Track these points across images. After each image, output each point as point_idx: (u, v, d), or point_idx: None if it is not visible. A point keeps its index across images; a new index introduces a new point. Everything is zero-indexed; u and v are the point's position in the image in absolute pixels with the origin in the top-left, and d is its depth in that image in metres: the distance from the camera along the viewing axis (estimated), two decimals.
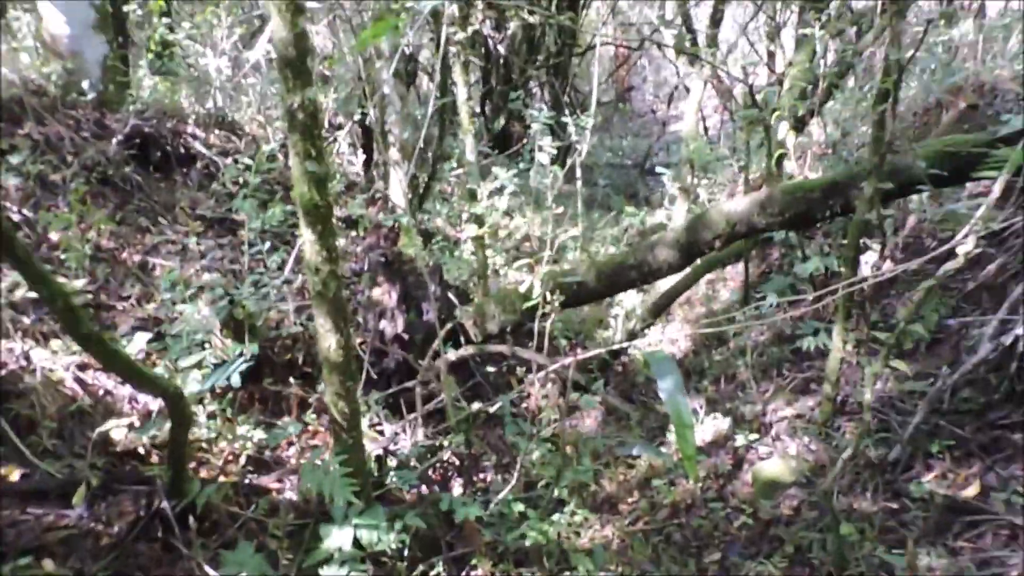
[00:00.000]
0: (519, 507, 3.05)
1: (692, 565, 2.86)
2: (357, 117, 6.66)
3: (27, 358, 2.75)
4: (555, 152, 6.29)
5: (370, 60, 6.12)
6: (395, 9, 4.05)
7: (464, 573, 2.76)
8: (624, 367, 4.93)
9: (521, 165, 6.69)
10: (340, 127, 7.57)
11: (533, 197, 7.21)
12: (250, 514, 2.66)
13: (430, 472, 3.40)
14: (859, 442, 2.66)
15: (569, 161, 7.05)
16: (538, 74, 11.50)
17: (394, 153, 6.32)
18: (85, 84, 4.91)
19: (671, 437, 3.81)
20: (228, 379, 2.62)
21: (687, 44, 5.79)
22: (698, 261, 4.37)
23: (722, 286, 5.87)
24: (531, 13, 8.79)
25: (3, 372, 2.65)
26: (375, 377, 3.68)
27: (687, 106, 7.57)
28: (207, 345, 3.32)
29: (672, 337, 5.69)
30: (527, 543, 2.64)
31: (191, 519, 2.49)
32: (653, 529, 3.12)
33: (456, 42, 4.89)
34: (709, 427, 3.90)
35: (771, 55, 8.84)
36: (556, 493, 3.03)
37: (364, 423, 3.44)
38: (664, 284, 4.75)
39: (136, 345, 2.91)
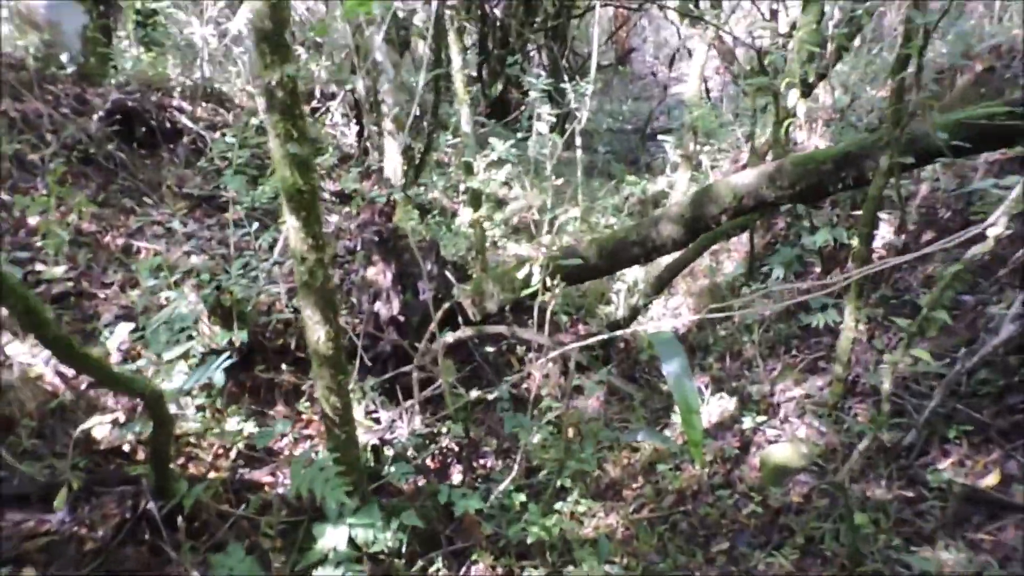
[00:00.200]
0: (520, 497, 2.96)
1: (699, 556, 2.78)
2: (349, 87, 6.44)
3: (3, 353, 2.63)
4: (554, 120, 6.10)
5: (361, 27, 5.89)
6: None
7: (464, 568, 2.67)
8: (627, 344, 4.81)
9: (520, 134, 6.50)
10: (333, 96, 7.35)
11: (532, 166, 7.03)
12: (241, 512, 2.56)
13: (429, 461, 3.30)
14: (875, 431, 2.55)
15: (568, 128, 6.87)
16: (536, 37, 11.19)
17: (388, 124, 6.13)
18: (64, 57, 4.71)
19: (676, 418, 3.71)
20: (210, 377, 2.49)
21: (690, 5, 5.56)
22: None
23: (726, 257, 5.73)
24: None
25: None
26: (369, 364, 3.56)
27: (690, 70, 7.34)
28: (194, 334, 3.20)
29: (675, 311, 5.57)
30: (529, 540, 2.54)
31: (179, 520, 2.40)
32: (659, 517, 3.03)
33: (450, 6, 4.68)
34: (715, 408, 3.80)
35: (774, 14, 8.56)
36: (559, 483, 2.94)
37: (360, 411, 3.34)
38: (667, 257, 4.60)
39: (117, 337, 2.78)
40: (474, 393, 3.32)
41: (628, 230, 3.81)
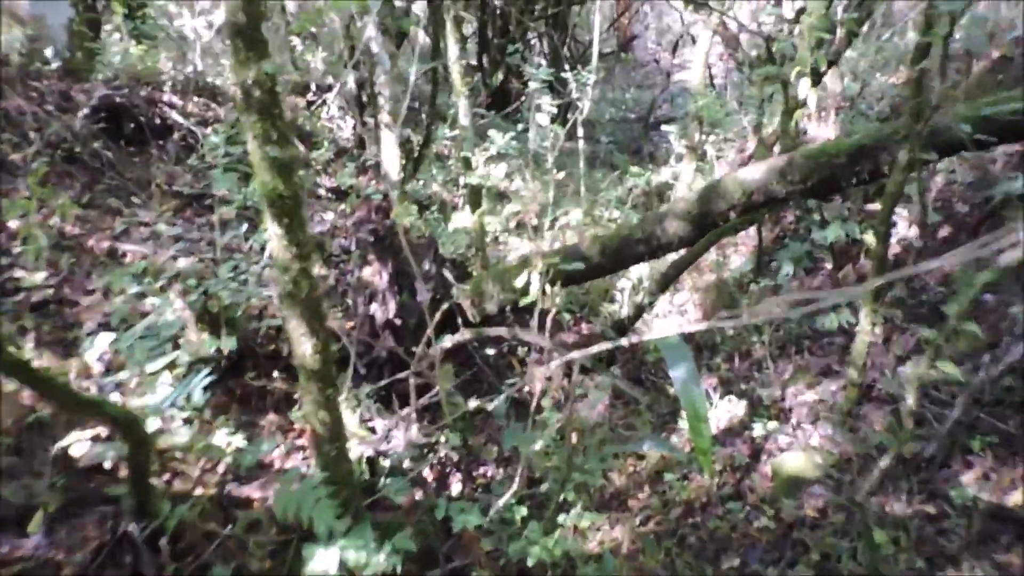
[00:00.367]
0: (522, 511, 2.83)
1: (709, 572, 2.65)
2: (344, 79, 6.28)
3: None
4: (555, 111, 5.94)
5: (354, 17, 5.73)
6: None
7: None
8: (632, 344, 4.67)
9: (520, 126, 6.34)
10: (329, 89, 7.19)
11: (532, 158, 6.88)
12: (228, 532, 2.44)
13: (427, 471, 3.18)
14: (897, 448, 2.41)
15: (571, 119, 6.71)
16: (536, 26, 10.99)
17: (385, 116, 5.97)
18: (49, 52, 4.57)
19: (683, 423, 3.58)
20: (189, 395, 2.37)
21: None
22: None
23: (733, 251, 5.58)
24: None
25: None
26: (364, 370, 3.43)
27: (694, 58, 7.15)
28: (181, 341, 3.07)
29: (681, 308, 5.43)
30: (530, 562, 2.42)
31: (162, 541, 2.28)
32: (666, 531, 2.91)
33: None
34: (723, 411, 3.66)
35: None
36: (562, 496, 2.81)
37: (354, 420, 3.21)
38: (672, 254, 4.46)
39: (97, 349, 2.65)
40: (472, 403, 3.18)
41: (632, 228, 3.66)
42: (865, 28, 5.87)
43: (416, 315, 3.96)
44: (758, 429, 3.30)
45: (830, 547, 2.51)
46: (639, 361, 4.62)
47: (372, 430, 3.20)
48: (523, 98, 7.23)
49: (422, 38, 9.71)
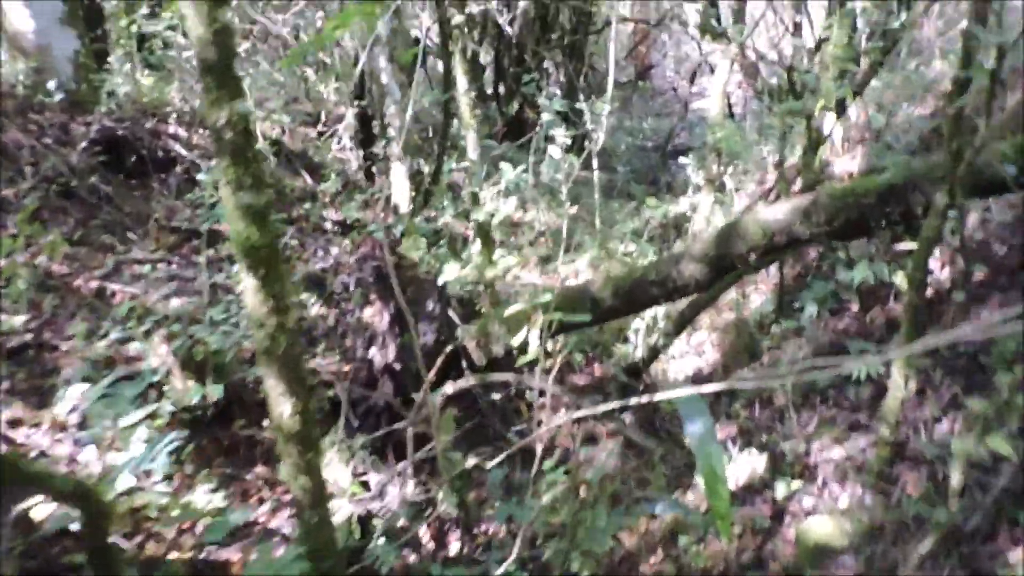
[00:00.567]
0: None
1: None
2: (354, 109, 6.19)
3: None
4: (569, 142, 5.79)
5: (365, 46, 5.64)
6: None
7: None
8: (645, 389, 4.45)
9: (532, 158, 6.20)
10: (340, 119, 7.11)
11: (546, 191, 6.72)
12: None
13: (424, 529, 2.97)
14: (940, 529, 2.17)
15: (586, 149, 6.55)
16: (552, 54, 10.90)
17: (395, 148, 5.86)
18: (51, 84, 4.49)
19: (700, 480, 3.33)
20: (153, 460, 2.19)
21: (712, 21, 5.23)
22: None
23: (753, 289, 5.35)
24: None
25: None
26: (359, 419, 3.24)
27: (712, 88, 7.00)
28: (166, 388, 2.91)
29: (699, 348, 5.20)
30: None
31: None
32: None
33: (454, 25, 4.40)
34: (743, 465, 3.42)
35: (797, 27, 8.21)
36: (566, 565, 2.59)
37: (347, 473, 3.02)
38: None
39: (69, 401, 2.49)
40: (471, 461, 2.98)
41: (646, 269, 3.47)
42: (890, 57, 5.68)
43: (417, 359, 3.78)
44: (780, 489, 3.06)
45: None
46: (653, 406, 4.38)
47: (365, 485, 3.01)
48: (538, 128, 7.10)
49: (440, 66, 9.64)
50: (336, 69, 7.21)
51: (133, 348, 2.92)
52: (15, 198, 3.57)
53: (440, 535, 3.06)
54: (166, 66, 6.10)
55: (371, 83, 6.13)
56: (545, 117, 5.45)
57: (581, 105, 6.21)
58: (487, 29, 10.62)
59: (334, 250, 4.72)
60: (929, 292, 3.74)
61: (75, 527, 2.37)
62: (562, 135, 5.58)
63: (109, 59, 5.09)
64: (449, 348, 3.82)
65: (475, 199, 4.43)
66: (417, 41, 8.24)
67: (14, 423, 2.51)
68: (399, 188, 5.86)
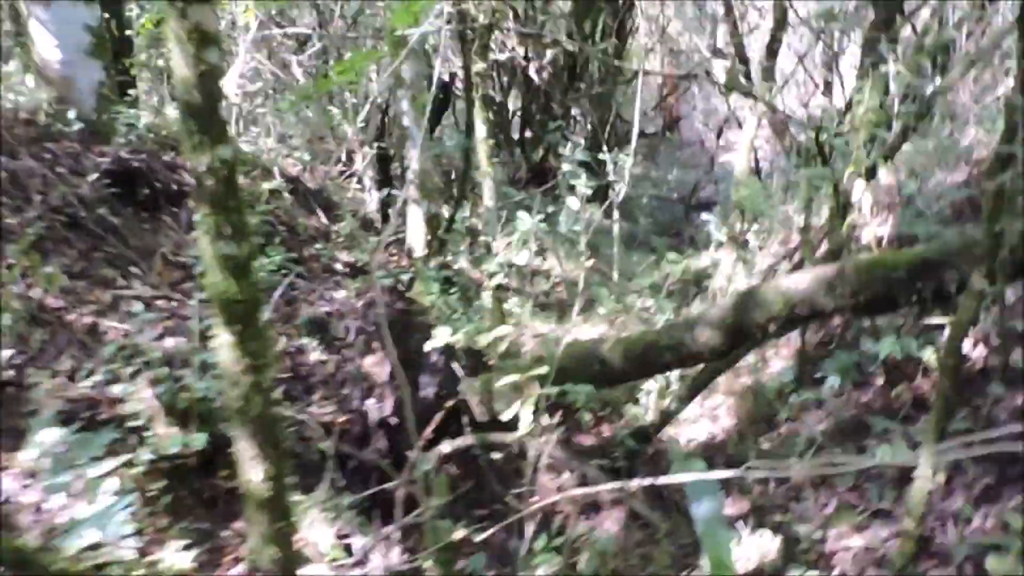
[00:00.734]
0: None
1: None
2: (372, 151, 6.16)
3: None
4: (589, 192, 5.69)
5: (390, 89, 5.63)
6: (391, 39, 3.51)
7: None
8: (655, 454, 4.25)
9: (551, 209, 6.10)
10: (363, 158, 7.10)
11: (564, 239, 6.60)
12: None
13: None
14: None
15: (608, 200, 6.45)
16: (580, 103, 10.91)
17: (412, 190, 5.80)
18: (71, 113, 4.49)
19: (706, 562, 3.11)
20: (114, 516, 2.05)
21: (740, 77, 5.15)
22: None
23: (773, 353, 5.14)
24: (570, 39, 8.25)
25: None
26: (343, 479, 3.08)
27: (739, 144, 6.90)
28: (147, 434, 2.79)
29: (713, 412, 4.99)
30: None
31: None
32: None
33: (476, 74, 4.36)
34: (753, 548, 3.20)
35: (828, 86, 8.12)
36: None
37: (330, 535, 2.86)
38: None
39: (39, 445, 2.37)
40: (459, 533, 2.80)
41: (660, 332, 3.31)
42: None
43: (416, 413, 3.63)
44: None
45: None
46: (662, 472, 4.17)
47: (348, 549, 2.83)
48: (559, 177, 7.02)
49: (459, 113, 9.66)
50: (360, 109, 7.23)
51: (117, 390, 2.80)
52: (19, 227, 3.51)
53: None
54: None
55: (393, 125, 6.10)
56: (565, 167, 5.36)
57: (604, 156, 6.13)
58: (516, 75, 10.68)
59: (341, 293, 4.62)
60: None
61: None
62: (583, 185, 5.49)
63: (132, 91, 5.10)
64: (450, 403, 3.68)
65: (488, 249, 4.33)
66: (444, 85, 8.30)
67: None
68: (414, 231, 5.78)
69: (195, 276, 4.09)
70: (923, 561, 2.69)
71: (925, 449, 2.52)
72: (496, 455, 3.86)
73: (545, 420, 2.90)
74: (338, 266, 5.14)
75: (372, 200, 6.40)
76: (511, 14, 9.07)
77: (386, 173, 6.32)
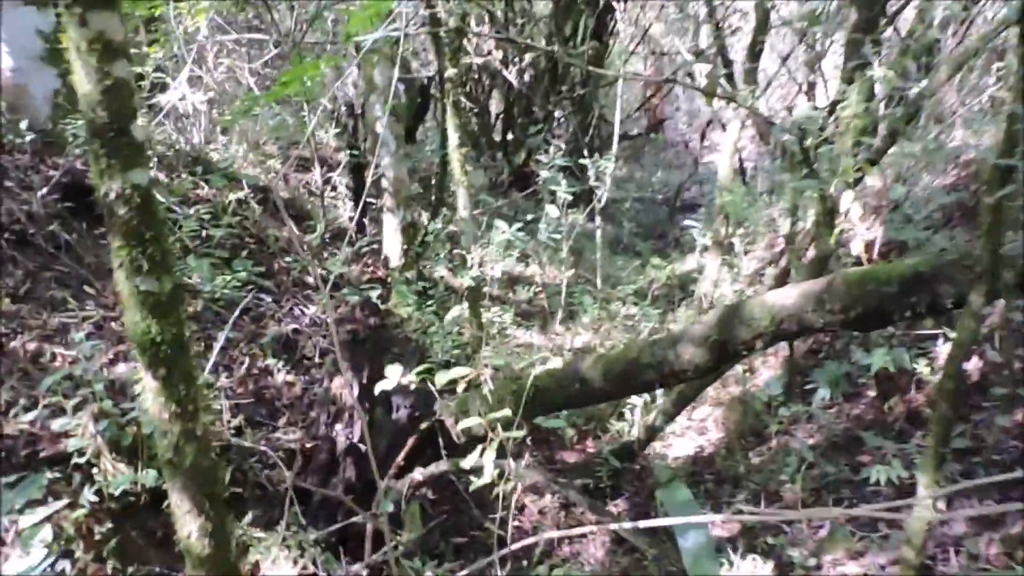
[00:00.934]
0: None
1: None
2: (346, 159, 5.97)
3: None
4: (570, 198, 5.53)
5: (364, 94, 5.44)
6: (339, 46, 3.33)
7: None
8: (641, 471, 4.08)
9: (532, 216, 5.94)
10: (338, 165, 6.90)
11: (546, 246, 6.45)
12: None
13: None
14: None
15: (591, 205, 6.29)
16: (562, 106, 10.75)
17: (387, 199, 5.61)
18: (23, 124, 4.27)
19: None
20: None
21: (722, 81, 5.00)
22: None
23: (761, 363, 5.00)
24: (549, 42, 8.09)
25: None
26: (301, 513, 2.89)
27: (722, 149, 6.76)
28: (95, 473, 2.59)
29: (700, 424, 4.83)
30: None
31: None
32: None
33: (448, 79, 4.18)
34: (745, 574, 3.04)
35: (811, 86, 8.00)
36: None
37: (294, 573, 2.67)
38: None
39: None
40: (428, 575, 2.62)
41: (641, 350, 3.13)
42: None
43: (389, 436, 3.44)
44: None
45: None
46: (649, 491, 4.01)
47: None
48: (539, 182, 6.87)
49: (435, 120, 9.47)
50: (337, 114, 7.03)
51: (59, 424, 2.60)
52: None
53: None
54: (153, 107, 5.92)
55: (367, 131, 5.91)
56: (544, 174, 5.20)
57: (585, 161, 5.97)
58: (497, 78, 10.52)
59: (312, 309, 4.42)
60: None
61: None
62: (563, 191, 5.33)
63: None
64: (425, 424, 3.50)
65: (464, 263, 4.16)
66: (423, 89, 8.11)
67: None
68: (390, 241, 5.60)
69: None
70: None
71: (924, 476, 2.37)
72: (474, 478, 3.69)
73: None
74: (309, 279, 4.94)
75: (346, 209, 6.20)
76: (487, 17, 8.91)
77: (360, 181, 6.12)
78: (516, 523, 3.77)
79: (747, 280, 6.36)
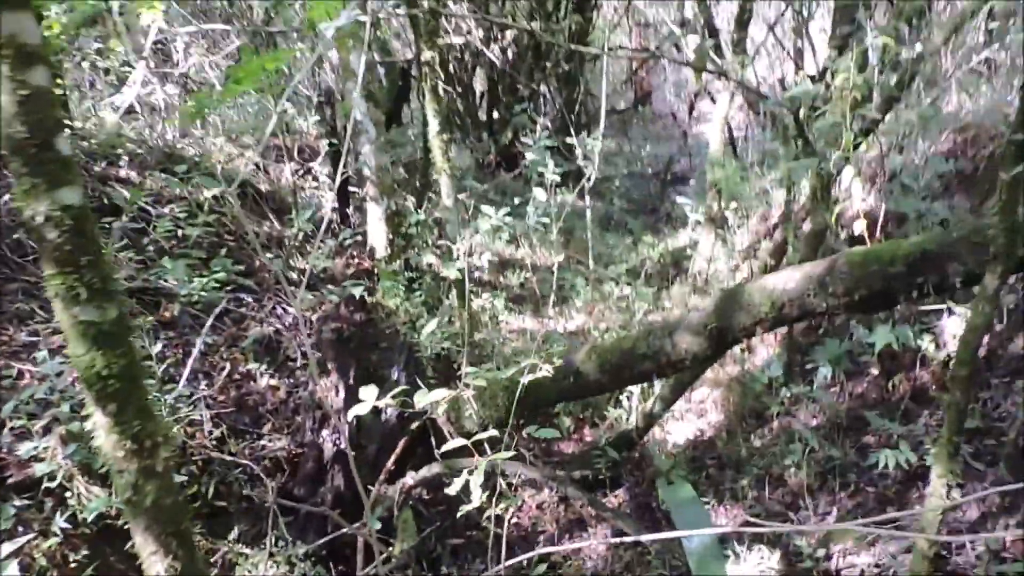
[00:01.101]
0: None
1: None
2: (327, 146, 5.79)
3: None
4: (558, 179, 5.38)
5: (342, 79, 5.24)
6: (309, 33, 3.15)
7: None
8: (640, 460, 3.98)
9: (520, 198, 5.78)
10: (317, 155, 6.71)
11: (535, 229, 6.30)
12: None
13: None
14: None
15: (580, 184, 6.14)
16: (548, 82, 10.53)
17: (370, 188, 5.44)
18: None
19: None
20: None
21: (710, 54, 4.82)
22: None
23: (759, 342, 4.88)
24: (531, 17, 7.87)
25: None
26: (289, 525, 2.78)
27: (712, 122, 6.60)
28: (68, 496, 2.46)
29: (700, 406, 4.73)
30: None
31: None
32: None
33: (425, 63, 4.00)
34: (751, 567, 2.95)
35: (799, 53, 7.82)
36: None
37: None
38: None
39: None
40: None
41: (637, 340, 3.01)
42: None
43: (378, 439, 3.32)
44: None
45: None
46: (650, 481, 3.91)
47: None
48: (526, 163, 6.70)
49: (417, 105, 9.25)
50: (318, 101, 6.83)
51: (26, 448, 2.46)
52: None
53: None
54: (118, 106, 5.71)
55: (345, 118, 5.72)
56: (530, 156, 5.04)
57: (572, 140, 5.80)
58: (480, 57, 10.28)
59: (294, 307, 4.27)
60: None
61: None
62: (551, 172, 5.17)
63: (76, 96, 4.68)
64: (416, 424, 3.39)
65: (449, 254, 4.02)
66: (403, 72, 7.89)
67: None
68: (375, 231, 5.43)
69: (134, 298, 3.74)
70: None
71: (937, 466, 2.26)
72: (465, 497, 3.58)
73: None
74: (292, 275, 4.79)
75: (328, 200, 6.02)
76: None
77: (335, 171, 5.93)
78: (514, 519, 3.67)
79: (741, 255, 6.23)
